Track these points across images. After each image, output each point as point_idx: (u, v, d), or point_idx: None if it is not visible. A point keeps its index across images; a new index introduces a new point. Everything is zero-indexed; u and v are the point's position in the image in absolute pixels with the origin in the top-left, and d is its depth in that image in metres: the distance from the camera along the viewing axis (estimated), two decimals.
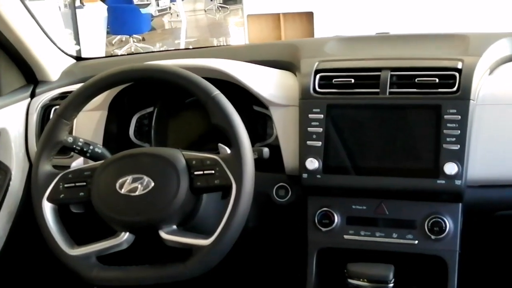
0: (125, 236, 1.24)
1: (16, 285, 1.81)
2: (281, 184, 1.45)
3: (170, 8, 12.35)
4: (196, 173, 1.23)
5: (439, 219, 1.33)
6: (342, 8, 7.19)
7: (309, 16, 7.34)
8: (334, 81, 1.41)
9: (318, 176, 1.37)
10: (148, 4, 11.72)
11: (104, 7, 9.90)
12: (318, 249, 1.41)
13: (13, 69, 1.64)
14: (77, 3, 9.36)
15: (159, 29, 11.80)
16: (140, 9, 10.31)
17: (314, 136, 1.38)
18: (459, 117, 1.29)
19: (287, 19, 7.58)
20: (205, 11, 13.65)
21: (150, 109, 1.63)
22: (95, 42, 7.88)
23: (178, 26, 11.10)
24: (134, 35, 9.66)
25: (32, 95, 1.66)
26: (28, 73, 1.68)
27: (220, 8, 13.53)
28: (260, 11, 8.15)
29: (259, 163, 1.36)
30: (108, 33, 9.32)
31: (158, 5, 12.06)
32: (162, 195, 1.22)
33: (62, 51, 1.76)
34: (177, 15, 11.84)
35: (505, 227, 1.40)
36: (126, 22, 9.45)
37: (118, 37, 10.02)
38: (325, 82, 1.41)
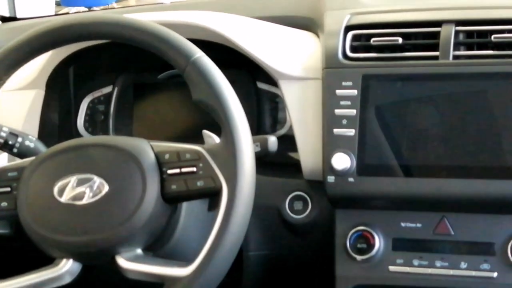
0: (67, 264, 1.20)
1: None
2: (297, 193, 1.44)
3: None
4: (170, 172, 1.20)
5: None
6: None
7: None
8: (373, 41, 1.39)
9: (351, 179, 1.35)
10: None
11: None
12: (353, 286, 1.39)
13: None
14: None
15: (131, 5, 11.89)
16: None
17: (345, 121, 1.36)
18: None
19: None
20: None
21: (107, 89, 1.62)
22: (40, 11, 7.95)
23: None
24: (94, 7, 9.69)
25: None
26: None
27: None
28: None
29: (265, 162, 1.34)
30: (58, 4, 9.38)
31: None
32: (120, 204, 1.19)
33: None
34: None
35: None
36: None
37: (73, 10, 10.07)
38: (360, 43, 1.41)
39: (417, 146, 1.35)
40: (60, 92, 1.57)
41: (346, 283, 1.39)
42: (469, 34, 1.36)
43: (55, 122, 1.57)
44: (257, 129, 1.45)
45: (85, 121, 1.61)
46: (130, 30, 1.26)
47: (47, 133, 1.53)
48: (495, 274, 1.32)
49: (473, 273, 1.33)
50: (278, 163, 1.45)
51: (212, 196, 1.20)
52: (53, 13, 8.62)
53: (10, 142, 1.35)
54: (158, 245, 1.25)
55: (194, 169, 1.19)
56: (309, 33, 1.52)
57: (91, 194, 1.20)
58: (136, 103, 1.62)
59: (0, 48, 1.32)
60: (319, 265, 1.42)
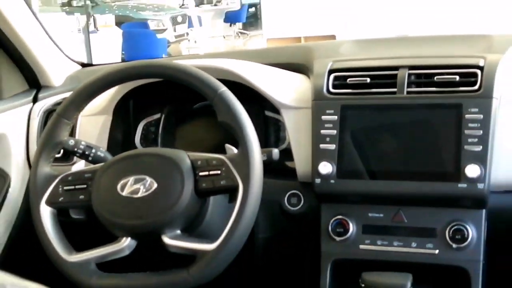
0: (126, 241, 1.22)
1: None
2: (293, 191, 1.43)
3: (187, 34, 12.44)
4: (201, 174, 1.21)
5: (461, 227, 1.30)
6: (365, 30, 7.38)
7: (331, 39, 7.42)
8: (349, 81, 1.40)
9: (332, 181, 1.35)
10: (165, 30, 11.81)
11: (119, 32, 10.09)
12: (333, 260, 1.39)
13: (16, 73, 1.65)
14: (91, 28, 9.59)
15: (175, 55, 11.85)
16: (156, 35, 10.42)
17: (328, 139, 1.36)
18: (481, 116, 1.28)
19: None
20: (224, 37, 13.77)
21: (157, 116, 1.62)
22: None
23: (196, 52, 11.17)
24: None
25: (35, 100, 1.66)
26: (31, 77, 1.69)
27: (239, 34, 13.67)
28: (280, 35, 8.28)
29: (270, 168, 1.35)
30: (122, 60, 9.39)
31: (175, 30, 12.16)
32: (165, 197, 1.20)
33: (68, 57, 1.77)
34: (195, 42, 11.97)
35: None
36: (141, 47, 9.49)
37: None
38: (339, 82, 1.41)
39: (380, 157, 1.36)
40: (123, 118, 1.58)
41: (328, 258, 1.39)
42: (418, 75, 1.36)
43: (119, 138, 1.58)
44: (264, 144, 1.44)
45: (140, 138, 1.62)
46: (175, 71, 1.27)
47: (113, 146, 1.54)
48: (436, 251, 1.32)
49: (421, 250, 1.33)
50: (279, 169, 1.46)
51: (231, 192, 1.21)
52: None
53: (86, 153, 1.35)
54: (192, 228, 1.25)
55: (219, 172, 1.20)
56: (302, 75, 1.52)
57: (144, 190, 1.21)
58: (177, 125, 1.62)
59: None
60: (309, 244, 1.42)
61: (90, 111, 1.53)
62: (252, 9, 13.57)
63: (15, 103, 1.62)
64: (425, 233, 1.33)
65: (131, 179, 1.22)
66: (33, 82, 1.70)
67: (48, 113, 1.63)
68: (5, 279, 0.35)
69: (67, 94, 1.56)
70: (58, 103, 1.63)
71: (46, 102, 1.66)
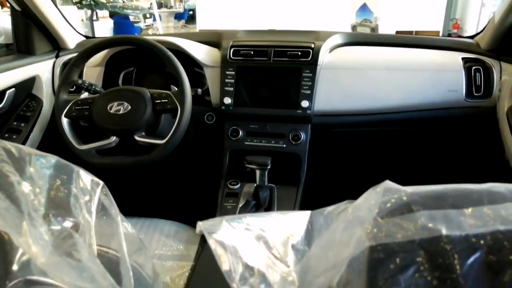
0: (113, 138, 1.18)
1: None
2: (209, 113, 1.40)
3: (152, 24, 11.91)
4: (156, 101, 1.17)
5: (298, 133, 1.34)
6: (251, 25, 7.42)
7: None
8: (241, 52, 1.36)
9: (231, 108, 1.34)
10: (139, 22, 11.23)
11: (111, 21, 9.45)
12: (230, 150, 1.39)
13: (45, 40, 1.51)
14: (94, 18, 8.89)
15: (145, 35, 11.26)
16: (134, 24, 9.88)
17: (229, 84, 1.34)
18: (311, 75, 1.29)
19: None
20: (174, 28, 13.16)
21: (131, 68, 1.53)
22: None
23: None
24: None
25: (57, 56, 1.53)
26: (54, 43, 1.54)
27: (183, 26, 13.13)
28: (206, 28, 8.19)
29: (196, 99, 1.32)
30: None
31: (145, 22, 11.64)
32: (136, 114, 1.15)
33: (78, 32, 1.63)
34: (157, 29, 11.46)
35: (335, 138, 1.43)
36: (125, 31, 8.96)
37: None
38: (236, 53, 1.37)
39: (257, 95, 1.35)
40: (111, 68, 1.47)
41: (227, 149, 1.39)
42: (279, 51, 1.34)
43: (109, 82, 1.48)
44: (193, 86, 1.39)
45: (122, 82, 1.52)
46: (143, 42, 1.21)
47: (105, 85, 1.44)
48: (284, 145, 1.35)
49: (277, 145, 1.35)
50: (202, 101, 1.43)
51: (174, 112, 1.17)
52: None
53: (89, 88, 1.27)
54: (152, 131, 1.21)
55: (167, 100, 1.17)
56: (215, 48, 1.46)
57: (123, 109, 1.16)
58: (144, 74, 1.53)
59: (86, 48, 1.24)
60: (218, 142, 1.41)
61: (91, 64, 1.42)
62: (191, 12, 12.98)
63: (45, 57, 1.47)
64: (279, 136, 1.35)
65: (116, 103, 1.17)
66: (56, 45, 1.55)
67: (65, 64, 1.50)
68: (30, 151, 0.33)
69: (76, 54, 1.46)
70: (71, 58, 1.50)
71: (64, 58, 1.52)
